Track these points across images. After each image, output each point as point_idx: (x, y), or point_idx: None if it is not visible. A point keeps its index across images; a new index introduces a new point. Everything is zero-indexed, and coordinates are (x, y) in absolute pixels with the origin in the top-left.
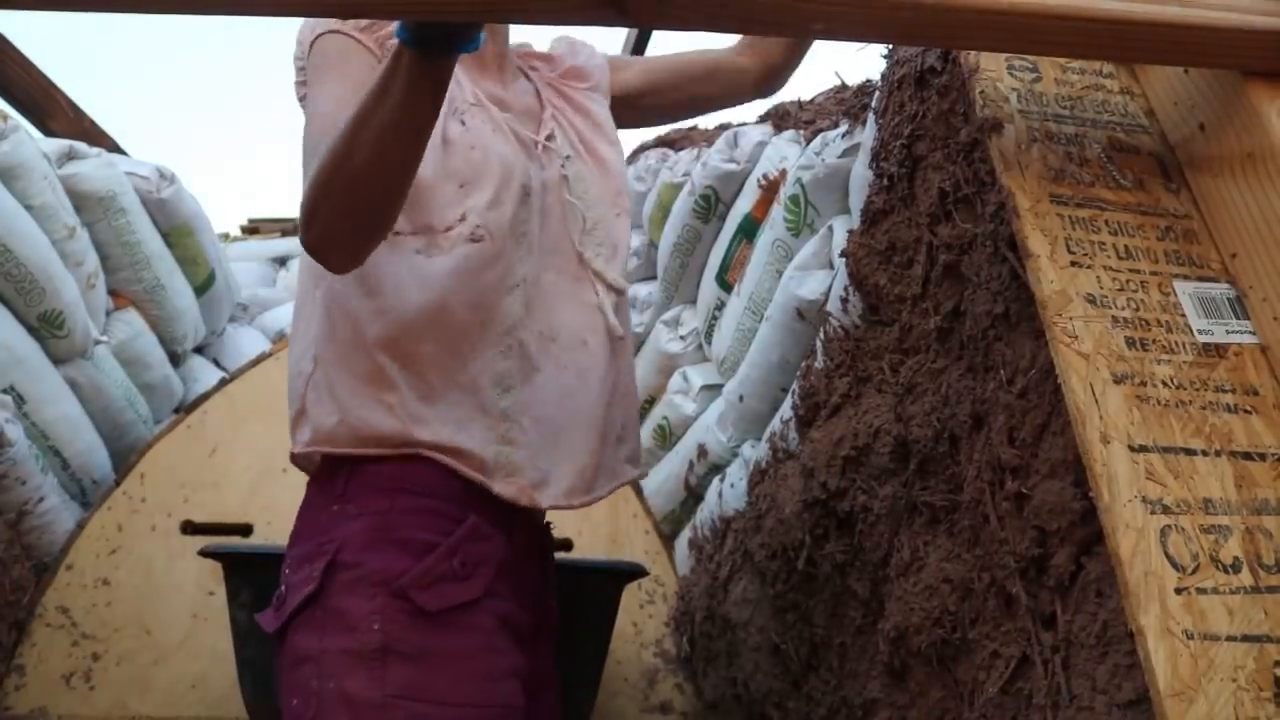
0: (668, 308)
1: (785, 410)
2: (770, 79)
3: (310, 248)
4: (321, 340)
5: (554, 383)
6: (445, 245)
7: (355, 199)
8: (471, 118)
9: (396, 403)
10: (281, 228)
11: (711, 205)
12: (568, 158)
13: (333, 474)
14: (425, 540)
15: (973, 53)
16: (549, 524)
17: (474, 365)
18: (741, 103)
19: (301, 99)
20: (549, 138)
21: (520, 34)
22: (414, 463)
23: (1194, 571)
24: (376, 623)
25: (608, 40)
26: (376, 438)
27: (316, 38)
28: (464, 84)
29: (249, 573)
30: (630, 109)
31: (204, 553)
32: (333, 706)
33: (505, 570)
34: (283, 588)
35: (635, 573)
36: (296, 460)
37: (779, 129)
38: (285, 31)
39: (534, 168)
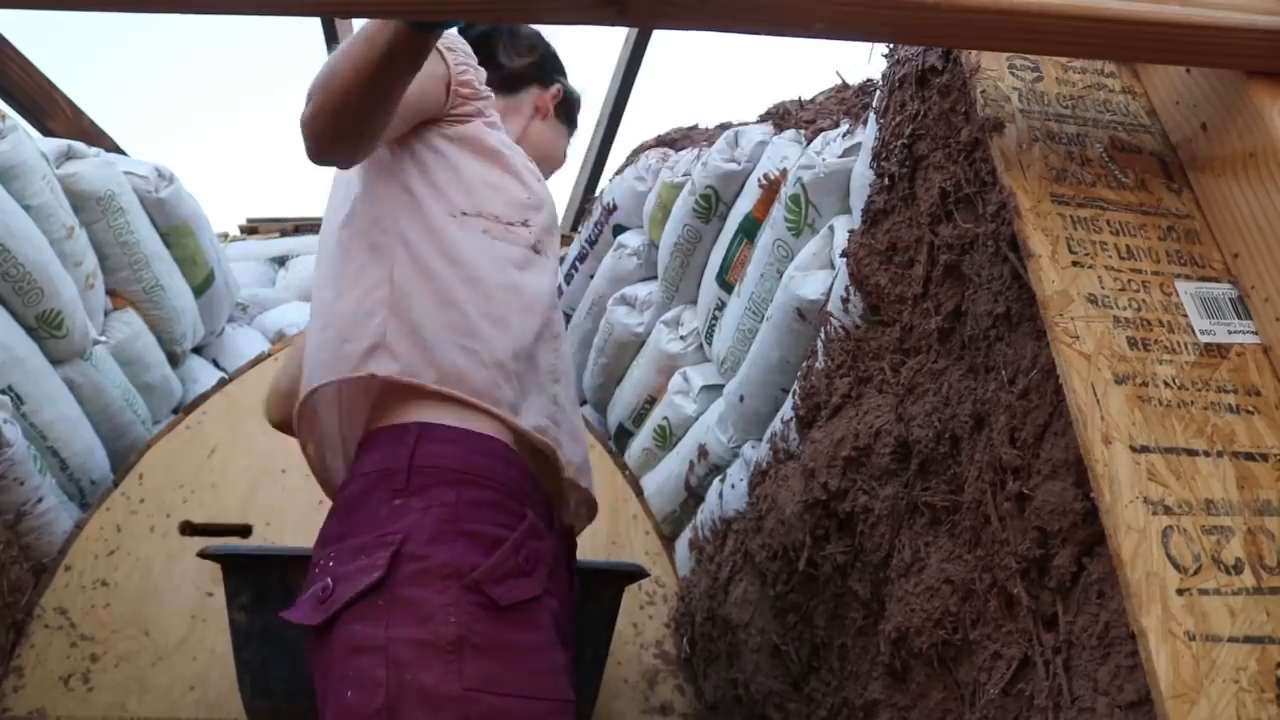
0: (668, 308)
1: (786, 411)
2: None
3: (300, 125)
4: (397, 293)
5: (572, 387)
6: (513, 239)
7: (329, 114)
8: (523, 156)
9: (482, 350)
10: (280, 228)
11: (712, 205)
12: None
13: (389, 464)
14: (493, 534)
15: (974, 52)
16: (571, 527)
17: (538, 350)
18: None
19: None
20: None
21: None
22: (478, 444)
23: (1196, 572)
24: (452, 615)
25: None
26: (458, 376)
27: None
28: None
29: (248, 574)
30: None
31: (203, 554)
32: (409, 698)
33: (554, 569)
34: (327, 580)
35: (636, 574)
36: (358, 382)
37: (780, 128)
38: (285, 31)
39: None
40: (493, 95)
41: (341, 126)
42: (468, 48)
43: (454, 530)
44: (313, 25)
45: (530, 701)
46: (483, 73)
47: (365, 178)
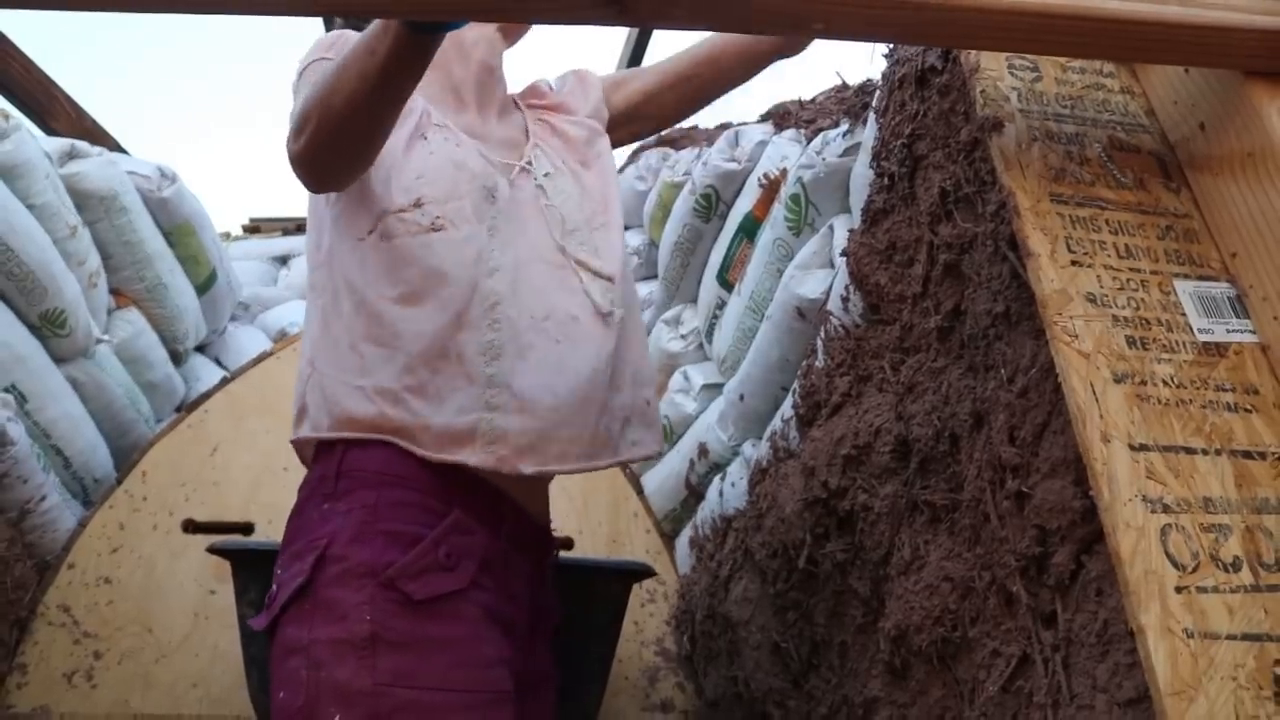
0: (668, 307)
1: (786, 409)
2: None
3: (292, 159)
4: (315, 348)
5: (550, 355)
6: (402, 230)
7: (331, 134)
8: (434, 135)
9: (368, 384)
10: (283, 227)
11: (712, 204)
12: (546, 174)
13: (323, 472)
14: (412, 532)
15: (973, 52)
16: (543, 523)
17: (460, 336)
18: (760, 70)
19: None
20: (527, 163)
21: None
22: (393, 450)
23: (1194, 570)
24: (367, 613)
25: (607, 40)
26: (348, 418)
27: (309, 64)
28: (431, 113)
29: (257, 570)
30: (641, 118)
31: (212, 549)
32: (324, 695)
33: (489, 564)
34: (274, 587)
35: (643, 573)
36: (297, 447)
37: (780, 128)
38: (286, 29)
39: (501, 179)
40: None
41: (342, 146)
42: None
43: (373, 530)
44: (312, 25)
45: (446, 694)
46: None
47: (309, 224)
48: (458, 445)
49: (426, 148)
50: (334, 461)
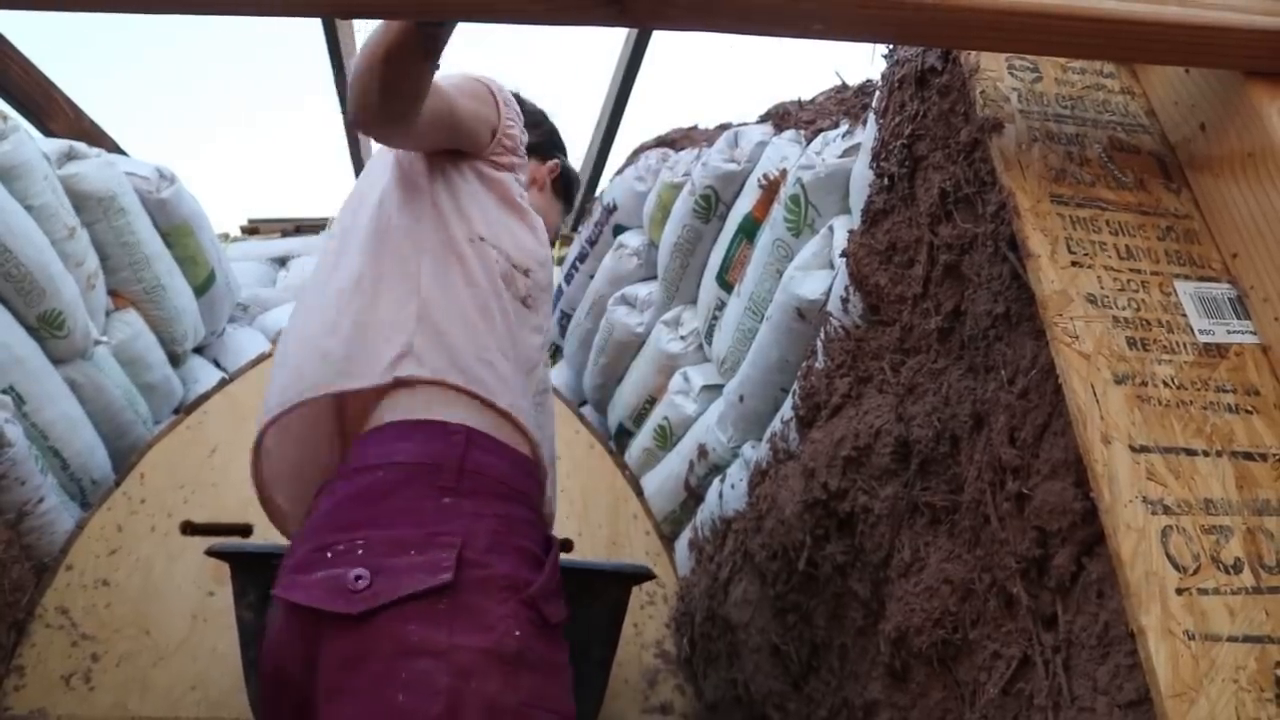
0: (668, 308)
1: (786, 410)
2: None
3: (348, 99)
4: (425, 305)
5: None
6: (512, 284)
7: (363, 88)
8: (541, 223)
9: (499, 366)
10: (281, 228)
11: (712, 205)
12: None
13: (438, 459)
14: (535, 552)
15: (973, 52)
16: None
17: (529, 382)
18: None
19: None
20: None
21: (519, 35)
22: (516, 459)
23: (1195, 572)
24: (515, 628)
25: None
26: (481, 383)
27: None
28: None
29: (256, 572)
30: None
31: (211, 552)
32: (470, 707)
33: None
34: (360, 570)
35: (643, 575)
36: (388, 386)
37: (779, 129)
38: (287, 29)
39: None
40: (528, 161)
41: (369, 101)
42: (519, 109)
43: (508, 543)
44: (313, 25)
45: (564, 719)
46: (526, 136)
47: (396, 189)
48: (545, 478)
49: (536, 236)
50: (454, 451)
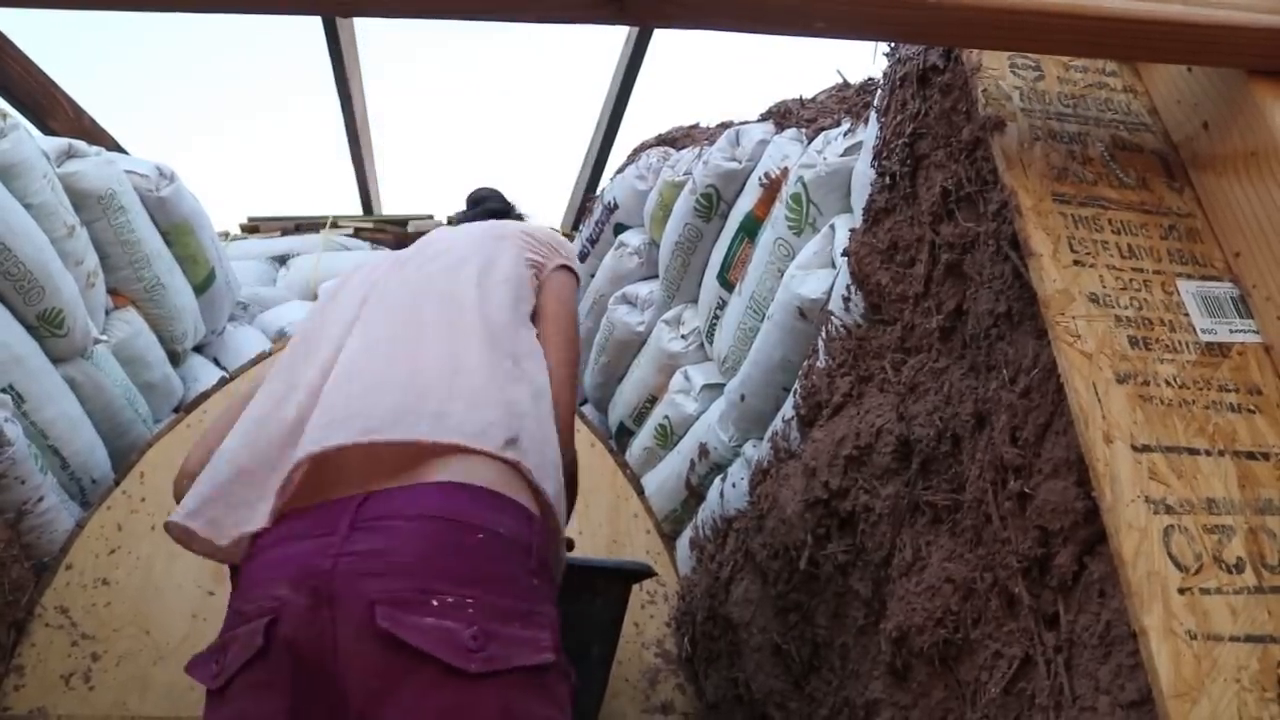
0: (669, 307)
1: (787, 409)
2: None
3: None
4: (538, 407)
5: None
6: None
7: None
8: None
9: (561, 494)
10: (281, 226)
11: (713, 204)
12: None
13: (526, 541)
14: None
15: (975, 51)
16: None
17: None
18: None
19: (532, 264)
20: None
21: (517, 30)
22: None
23: (1197, 571)
24: (570, 713)
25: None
26: (557, 501)
27: (572, 268)
28: None
29: None
30: None
31: None
32: None
33: None
34: (475, 629)
35: (644, 573)
36: (497, 466)
37: (781, 127)
38: (288, 30)
39: None
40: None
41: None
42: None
43: (560, 640)
44: (313, 24)
45: None
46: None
47: (511, 288)
48: None
49: None
50: (532, 540)
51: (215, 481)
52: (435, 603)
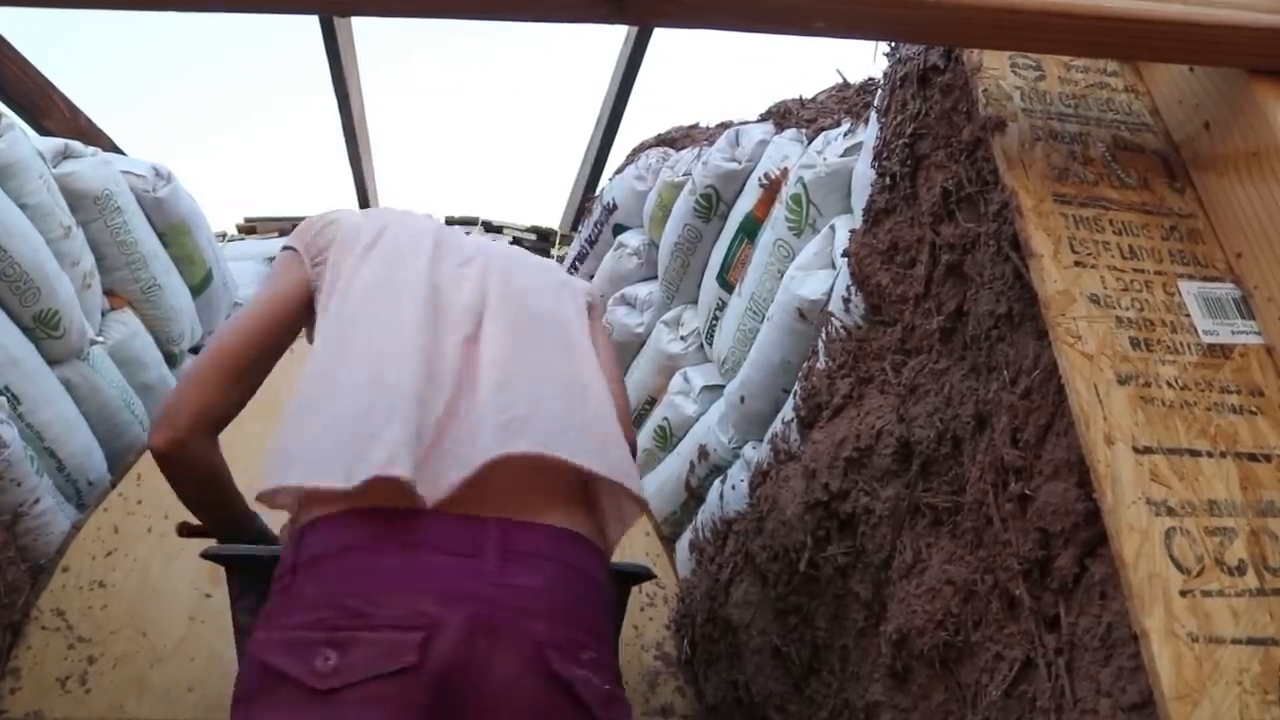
0: (668, 308)
1: (787, 411)
2: None
3: None
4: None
5: None
6: None
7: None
8: None
9: None
10: (279, 227)
11: (713, 204)
12: None
13: (611, 595)
14: None
15: (976, 51)
16: None
17: None
18: None
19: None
20: None
21: (517, 30)
22: None
23: (1199, 574)
24: None
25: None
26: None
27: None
28: None
29: (253, 575)
30: None
31: (206, 555)
32: None
33: None
34: (603, 681)
35: (642, 575)
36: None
37: (781, 127)
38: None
39: None
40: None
41: None
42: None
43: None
44: (310, 23)
45: None
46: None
47: (583, 322)
48: None
49: None
50: (609, 585)
51: (335, 416)
52: (585, 655)
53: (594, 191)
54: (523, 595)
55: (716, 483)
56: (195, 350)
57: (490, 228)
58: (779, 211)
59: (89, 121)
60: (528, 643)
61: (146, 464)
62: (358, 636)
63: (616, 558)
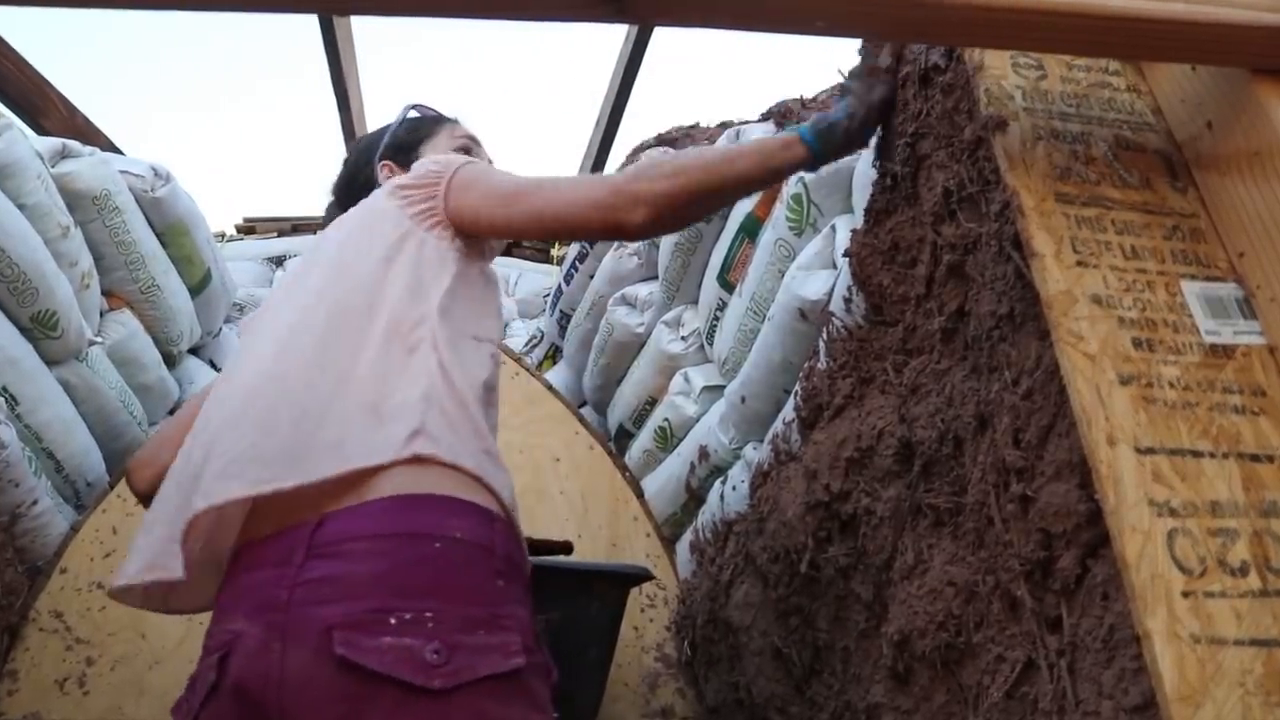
0: (669, 308)
1: (788, 411)
2: None
3: (655, 201)
4: (437, 393)
5: None
6: (493, 359)
7: (696, 203)
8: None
9: (497, 457)
10: (278, 227)
11: None
12: None
13: (485, 541)
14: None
15: (977, 50)
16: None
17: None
18: None
19: (425, 213)
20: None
21: (517, 29)
22: (524, 555)
23: (1201, 575)
24: (553, 712)
25: (607, 38)
26: (483, 472)
27: (458, 170)
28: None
29: None
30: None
31: None
32: None
33: None
34: (436, 644)
35: (642, 576)
36: (397, 464)
37: (781, 127)
38: (286, 30)
39: None
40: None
41: (691, 215)
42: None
43: (536, 635)
44: (309, 22)
45: None
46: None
47: (405, 273)
48: None
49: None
50: (494, 538)
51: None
52: (393, 621)
53: None
54: (318, 586)
55: (717, 484)
56: (194, 351)
57: None
58: (780, 211)
59: (87, 120)
60: (314, 633)
61: None
62: (198, 670)
63: (616, 558)
